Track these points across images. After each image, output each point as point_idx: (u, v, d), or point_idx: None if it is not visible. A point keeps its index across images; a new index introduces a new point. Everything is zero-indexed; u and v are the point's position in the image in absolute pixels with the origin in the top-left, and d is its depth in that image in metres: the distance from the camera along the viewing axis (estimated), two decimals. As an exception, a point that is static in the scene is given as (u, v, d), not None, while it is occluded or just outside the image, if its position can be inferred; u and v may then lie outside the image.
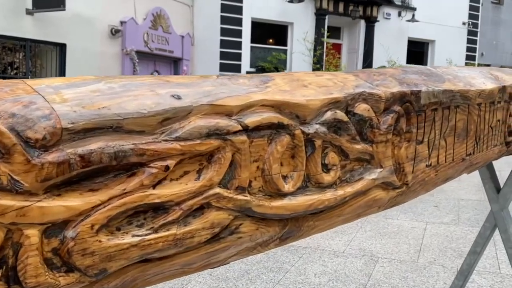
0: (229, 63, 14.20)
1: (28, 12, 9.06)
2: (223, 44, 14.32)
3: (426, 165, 1.13)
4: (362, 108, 0.88)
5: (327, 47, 14.91)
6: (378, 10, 17.33)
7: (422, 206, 5.31)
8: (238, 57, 14.49)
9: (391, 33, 17.68)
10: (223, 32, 14.31)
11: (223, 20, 14.27)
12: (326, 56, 14.85)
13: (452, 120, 1.21)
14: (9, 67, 9.20)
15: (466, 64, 18.16)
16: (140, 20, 11.97)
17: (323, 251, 4.03)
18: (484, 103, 1.39)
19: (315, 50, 15.05)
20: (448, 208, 5.34)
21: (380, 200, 0.95)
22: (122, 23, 11.34)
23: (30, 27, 9.17)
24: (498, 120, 1.57)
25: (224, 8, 14.22)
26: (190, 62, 14.10)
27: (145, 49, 12.11)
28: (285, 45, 15.81)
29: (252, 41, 14.97)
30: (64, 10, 8.94)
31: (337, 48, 17.44)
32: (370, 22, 17.23)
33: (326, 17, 16.15)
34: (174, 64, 13.68)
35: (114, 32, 11.05)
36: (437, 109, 1.14)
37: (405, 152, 1.03)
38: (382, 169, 0.94)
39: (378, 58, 16.69)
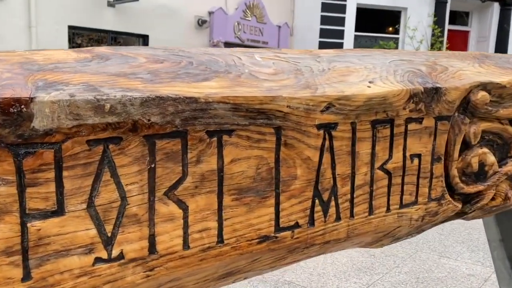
0: (329, 54, 13.25)
1: (110, 4, 9.28)
2: (322, 33, 13.46)
3: (100, 260, 0.60)
4: None
5: (433, 35, 13.06)
6: (518, -11, 14.69)
7: (505, 242, 3.91)
8: (339, 47, 13.43)
9: (535, 17, 14.88)
10: (324, 20, 13.47)
11: (324, 7, 13.39)
12: (432, 44, 12.99)
13: (208, 160, 0.66)
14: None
15: None
16: (230, 10, 11.68)
17: (326, 295, 3.06)
18: (349, 123, 0.79)
19: (434, 37, 13.28)
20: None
21: None
22: (210, 13, 11.12)
23: (111, 19, 9.38)
24: (415, 156, 0.89)
25: (326, -6, 13.31)
26: (288, 53, 13.46)
27: (235, 40, 11.78)
28: (397, 33, 14.29)
29: (357, 29, 13.80)
30: (138, 0, 8.97)
31: (463, 36, 15.30)
32: (506, 5, 14.77)
33: (449, 0, 14.15)
34: (270, 56, 13.17)
35: (201, 23, 10.89)
36: (123, 139, 0.59)
37: None
38: None
39: (514, 48, 14.19)
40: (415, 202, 0.91)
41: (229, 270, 0.75)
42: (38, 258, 0.55)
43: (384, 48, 13.42)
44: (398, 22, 14.30)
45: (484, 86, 0.95)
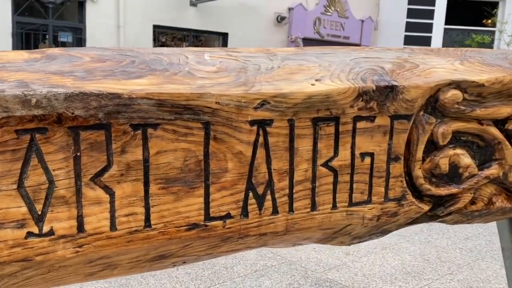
0: (415, 49, 12.66)
1: (192, 4, 9.65)
2: (409, 27, 12.85)
3: (32, 234, 0.69)
4: None
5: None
6: None
7: None
8: (427, 41, 12.79)
9: None
10: (411, 13, 12.85)
11: (411, 0, 12.75)
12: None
13: (133, 151, 0.73)
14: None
15: None
16: (311, 6, 11.60)
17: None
18: (286, 119, 0.81)
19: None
20: None
21: None
22: (289, 9, 11.14)
23: (193, 18, 9.77)
24: (367, 154, 0.88)
25: (413, -14, 12.71)
26: (371, 48, 13.09)
27: (315, 36, 11.67)
28: (493, 25, 13.21)
29: (447, 22, 13.00)
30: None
31: None
32: None
33: (556, -13, 12.82)
34: (352, 51, 12.89)
35: (280, 20, 10.94)
36: (48, 129, 0.68)
37: None
38: None
39: None
40: (368, 201, 0.89)
41: (161, 253, 0.79)
42: None
43: (478, 42, 12.50)
44: (494, 14, 13.21)
45: (457, 85, 0.91)
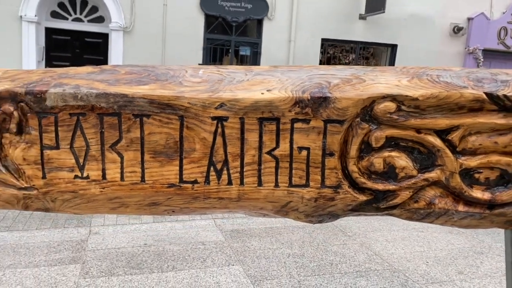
0: None
1: (361, 17, 9.79)
2: None
3: (77, 176, 1.07)
4: None
5: None
6: None
7: None
8: None
9: None
10: None
11: None
12: None
13: (134, 131, 1.04)
14: (347, 68, 10.19)
15: None
16: (496, 15, 10.59)
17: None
18: (238, 117, 1.05)
19: None
20: None
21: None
22: (468, 20, 10.39)
23: (361, 31, 9.90)
24: (304, 148, 1.07)
25: None
26: None
27: (499, 47, 10.63)
28: None
29: None
30: (384, 12, 9.15)
31: None
32: None
33: None
34: (547, 64, 11.26)
35: (457, 30, 10.28)
36: (86, 114, 1.04)
37: (22, 154, 1.05)
38: None
39: None
40: (306, 185, 1.06)
41: (153, 201, 1.09)
42: (48, 168, 1.06)
43: None
44: None
45: (393, 98, 1.02)
